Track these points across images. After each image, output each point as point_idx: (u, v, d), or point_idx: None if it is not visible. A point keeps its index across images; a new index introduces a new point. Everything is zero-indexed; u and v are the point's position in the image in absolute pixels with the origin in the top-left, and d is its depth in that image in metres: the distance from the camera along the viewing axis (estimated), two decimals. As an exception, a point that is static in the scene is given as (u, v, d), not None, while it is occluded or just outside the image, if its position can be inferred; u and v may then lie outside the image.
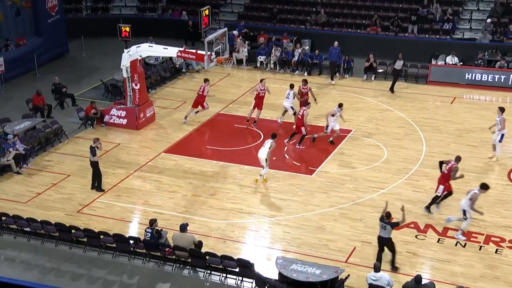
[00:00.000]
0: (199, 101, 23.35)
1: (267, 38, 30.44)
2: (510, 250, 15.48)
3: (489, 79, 26.23)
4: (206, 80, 23.64)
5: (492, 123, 20.45)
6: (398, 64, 25.93)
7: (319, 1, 32.90)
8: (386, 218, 14.79)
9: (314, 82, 26.18)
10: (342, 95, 25.63)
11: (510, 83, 25.89)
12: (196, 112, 23.65)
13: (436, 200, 17.05)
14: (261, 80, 23.24)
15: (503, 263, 15.04)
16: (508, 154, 20.54)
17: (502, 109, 20.10)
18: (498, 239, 15.91)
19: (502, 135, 19.93)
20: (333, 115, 21.16)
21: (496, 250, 15.54)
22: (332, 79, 27.24)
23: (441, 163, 17.17)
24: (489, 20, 29.10)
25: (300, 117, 20.92)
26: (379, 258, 14.67)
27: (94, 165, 18.68)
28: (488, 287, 14.12)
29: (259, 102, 22.81)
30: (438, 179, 17.05)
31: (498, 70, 26.42)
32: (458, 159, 17.16)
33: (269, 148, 18.87)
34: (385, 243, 14.84)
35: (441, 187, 16.86)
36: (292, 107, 22.47)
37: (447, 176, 16.87)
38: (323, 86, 26.73)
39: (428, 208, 17.18)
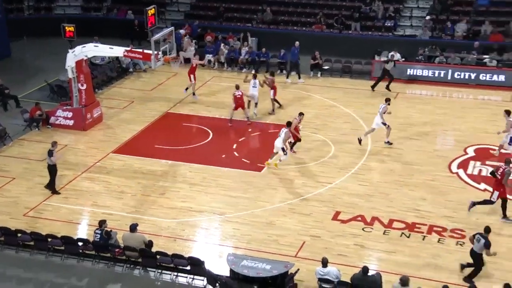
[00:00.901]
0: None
1: (214, 36, 30.42)
2: (452, 239, 15.90)
3: (429, 74, 26.88)
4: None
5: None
6: (389, 66, 25.88)
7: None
8: (484, 232, 14.30)
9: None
10: (290, 92, 25.83)
11: (449, 78, 26.59)
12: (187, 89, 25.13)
13: (484, 203, 16.76)
14: (237, 87, 22.80)
15: (445, 252, 15.43)
16: (449, 147, 21.09)
17: (508, 112, 19.89)
18: (440, 229, 16.31)
19: (511, 138, 19.69)
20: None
21: (439, 239, 15.93)
22: (299, 77, 27.33)
23: (492, 172, 16.94)
24: (428, 17, 29.79)
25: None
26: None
27: (52, 169, 18.30)
28: (431, 276, 14.44)
29: (239, 103, 22.65)
30: (493, 186, 16.86)
31: (438, 65, 27.07)
32: (508, 161, 16.81)
33: (284, 136, 19.21)
34: (472, 257, 14.34)
35: (496, 193, 16.57)
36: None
37: (500, 181, 16.51)
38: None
39: (505, 216, 16.71)
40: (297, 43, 27.46)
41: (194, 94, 25.35)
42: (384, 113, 20.66)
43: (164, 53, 22.91)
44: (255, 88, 23.38)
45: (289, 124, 19.63)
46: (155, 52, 22.09)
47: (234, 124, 22.60)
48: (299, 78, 27.20)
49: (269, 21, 31.61)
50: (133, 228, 15.24)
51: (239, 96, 22.54)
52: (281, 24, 31.68)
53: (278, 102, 24.41)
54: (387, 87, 25.83)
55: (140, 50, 22.85)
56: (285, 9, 32.53)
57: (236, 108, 22.66)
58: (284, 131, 19.33)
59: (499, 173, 16.62)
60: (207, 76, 28.18)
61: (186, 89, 25.41)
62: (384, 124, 20.71)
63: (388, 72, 25.90)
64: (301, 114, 20.57)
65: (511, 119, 19.76)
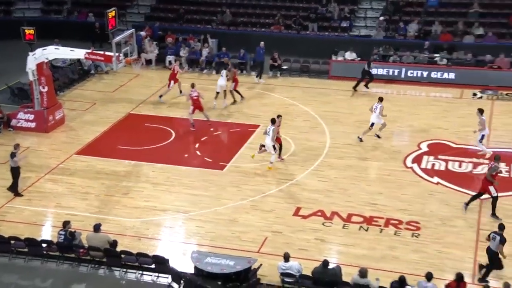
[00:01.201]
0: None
1: (175, 38, 30.27)
2: (408, 231, 16.15)
3: (384, 73, 27.26)
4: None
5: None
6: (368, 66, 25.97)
7: (224, 1, 33.01)
8: (498, 230, 14.11)
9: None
10: (249, 92, 25.86)
11: (403, 76, 27.02)
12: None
13: (495, 204, 16.57)
14: (192, 85, 22.59)
15: (402, 243, 15.67)
16: (404, 142, 21.43)
17: (481, 111, 19.84)
18: (397, 222, 16.55)
19: (483, 136, 19.74)
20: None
21: (395, 232, 16.17)
22: (259, 77, 27.31)
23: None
24: (381, 18, 30.21)
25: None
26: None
27: (15, 171, 17.93)
28: (388, 267, 14.65)
29: (197, 104, 22.25)
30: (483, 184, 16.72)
31: (392, 64, 27.48)
32: (498, 158, 16.90)
33: (272, 134, 18.93)
34: (489, 255, 14.18)
35: (491, 187, 16.45)
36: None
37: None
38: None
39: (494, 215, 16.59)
40: (262, 43, 27.43)
41: (161, 96, 25.06)
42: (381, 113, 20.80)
43: (126, 55, 22.73)
44: (222, 78, 23.97)
45: (273, 121, 19.29)
46: (117, 54, 21.89)
47: (196, 123, 22.47)
48: (260, 78, 27.26)
49: (229, 23, 31.59)
50: (97, 228, 15.07)
51: (195, 97, 22.17)
52: (241, 25, 31.70)
53: (240, 94, 24.55)
54: (366, 85, 26.03)
55: (102, 52, 22.62)
56: (244, 10, 32.56)
57: (193, 111, 22.22)
58: (271, 128, 19.03)
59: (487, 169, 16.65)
60: (168, 77, 27.97)
61: (160, 96, 25.06)
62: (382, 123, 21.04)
63: (369, 73, 25.98)
64: (279, 116, 19.83)
65: (483, 117, 19.75)
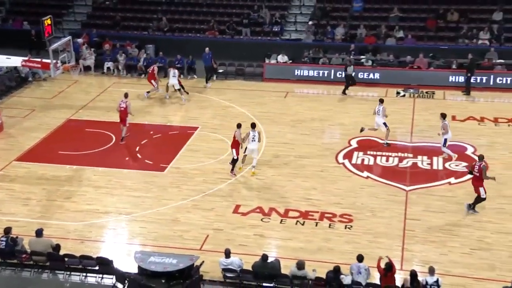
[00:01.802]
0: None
1: (112, 44, 29.70)
2: (341, 223, 16.40)
3: (315, 74, 27.63)
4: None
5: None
6: (350, 70, 25.78)
7: (160, 8, 32.64)
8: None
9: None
10: (189, 95, 25.64)
11: (332, 77, 27.45)
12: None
13: (479, 202, 16.50)
14: (125, 95, 21.56)
15: (336, 235, 15.91)
16: (335, 140, 21.77)
17: (443, 115, 19.60)
18: (331, 215, 16.77)
19: (445, 140, 19.47)
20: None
21: (329, 224, 16.38)
22: (207, 82, 27.09)
23: (470, 172, 16.80)
24: (310, 22, 30.59)
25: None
26: None
27: None
28: (324, 258, 14.83)
29: (121, 116, 21.02)
30: (474, 183, 16.59)
31: (322, 66, 27.88)
32: (481, 157, 16.72)
33: (258, 137, 18.62)
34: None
35: (481, 188, 16.35)
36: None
37: (480, 177, 16.34)
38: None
39: (472, 207, 16.62)
40: (207, 49, 27.10)
41: (148, 92, 25.32)
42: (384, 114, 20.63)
43: (63, 62, 22.12)
44: (174, 78, 24.60)
45: (253, 125, 18.92)
46: (54, 61, 21.28)
47: (136, 127, 22.04)
48: (207, 82, 27.04)
49: (165, 29, 31.25)
50: (39, 233, 14.57)
51: (122, 109, 20.91)
52: (176, 31, 31.42)
53: (184, 90, 25.01)
54: (344, 91, 25.79)
55: (39, 60, 21.92)
56: (180, 17, 32.29)
57: (121, 122, 21.05)
58: (253, 133, 18.56)
59: (476, 171, 16.37)
60: (107, 83, 27.47)
61: (148, 92, 25.25)
62: (385, 125, 20.68)
63: (351, 76, 25.80)
64: (239, 125, 18.84)
65: (446, 121, 19.44)
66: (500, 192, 17.67)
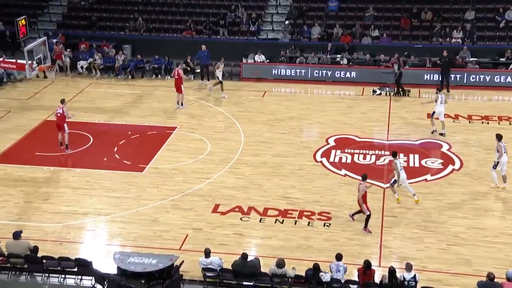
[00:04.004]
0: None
1: (88, 45, 29.41)
2: (319, 221, 16.46)
3: (292, 74, 27.70)
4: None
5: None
6: (396, 68, 25.64)
7: (136, 8, 32.39)
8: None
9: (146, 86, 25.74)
10: (166, 95, 25.51)
11: (309, 76, 27.54)
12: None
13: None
14: (62, 101, 20.71)
15: (315, 233, 15.96)
16: (313, 138, 21.84)
17: (499, 137, 17.85)
18: (309, 213, 16.83)
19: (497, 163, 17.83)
20: None
21: (308, 223, 16.42)
22: (202, 79, 27.00)
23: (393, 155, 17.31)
24: (287, 22, 30.66)
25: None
26: None
27: None
28: (303, 256, 14.88)
29: (58, 123, 20.29)
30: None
31: (299, 65, 27.95)
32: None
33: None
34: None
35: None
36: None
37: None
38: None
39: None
40: (203, 46, 26.90)
41: (181, 104, 24.07)
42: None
43: (39, 62, 21.84)
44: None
45: (394, 154, 17.68)
46: (29, 62, 20.99)
47: (113, 128, 21.88)
48: (208, 80, 26.84)
49: (142, 29, 31.02)
50: (17, 235, 14.34)
51: (59, 115, 20.13)
52: (153, 31, 31.22)
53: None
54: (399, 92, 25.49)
55: (14, 61, 21.61)
56: (156, 17, 32.09)
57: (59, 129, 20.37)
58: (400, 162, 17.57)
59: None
60: (83, 83, 27.20)
61: (181, 104, 24.10)
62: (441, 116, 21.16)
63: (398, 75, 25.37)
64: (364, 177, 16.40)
65: (502, 144, 17.52)
66: (474, 188, 17.91)
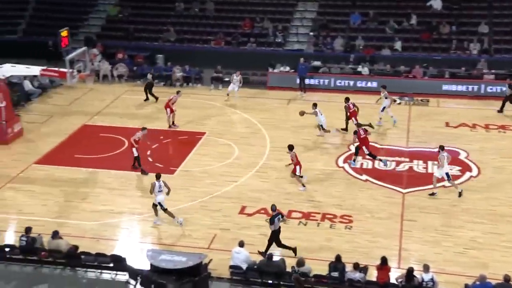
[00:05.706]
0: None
1: (124, 54, 29.77)
2: (341, 224, 16.39)
3: (315, 83, 27.64)
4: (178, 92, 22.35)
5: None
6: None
7: (169, 20, 32.69)
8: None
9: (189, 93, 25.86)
10: (194, 102, 25.69)
11: (332, 86, 27.46)
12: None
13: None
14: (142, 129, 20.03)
15: (337, 235, 15.89)
16: (335, 144, 21.73)
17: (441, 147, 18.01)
18: (332, 216, 16.77)
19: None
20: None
21: (331, 225, 16.38)
22: (300, 91, 26.89)
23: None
24: (311, 34, 30.63)
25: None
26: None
27: None
28: (326, 256, 14.76)
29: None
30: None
31: (322, 74, 27.88)
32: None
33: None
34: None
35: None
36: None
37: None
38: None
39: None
40: (301, 59, 26.98)
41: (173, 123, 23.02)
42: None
43: (79, 71, 22.19)
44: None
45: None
46: (70, 70, 21.34)
47: (147, 132, 22.02)
48: (305, 92, 26.72)
49: (174, 39, 31.29)
50: (55, 235, 14.57)
51: (137, 139, 19.39)
52: (185, 42, 31.47)
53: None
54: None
55: (56, 69, 21.98)
56: (188, 28, 32.34)
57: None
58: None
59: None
60: (118, 91, 27.54)
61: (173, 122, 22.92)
62: None
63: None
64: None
65: (444, 154, 17.80)
66: (490, 194, 17.64)
